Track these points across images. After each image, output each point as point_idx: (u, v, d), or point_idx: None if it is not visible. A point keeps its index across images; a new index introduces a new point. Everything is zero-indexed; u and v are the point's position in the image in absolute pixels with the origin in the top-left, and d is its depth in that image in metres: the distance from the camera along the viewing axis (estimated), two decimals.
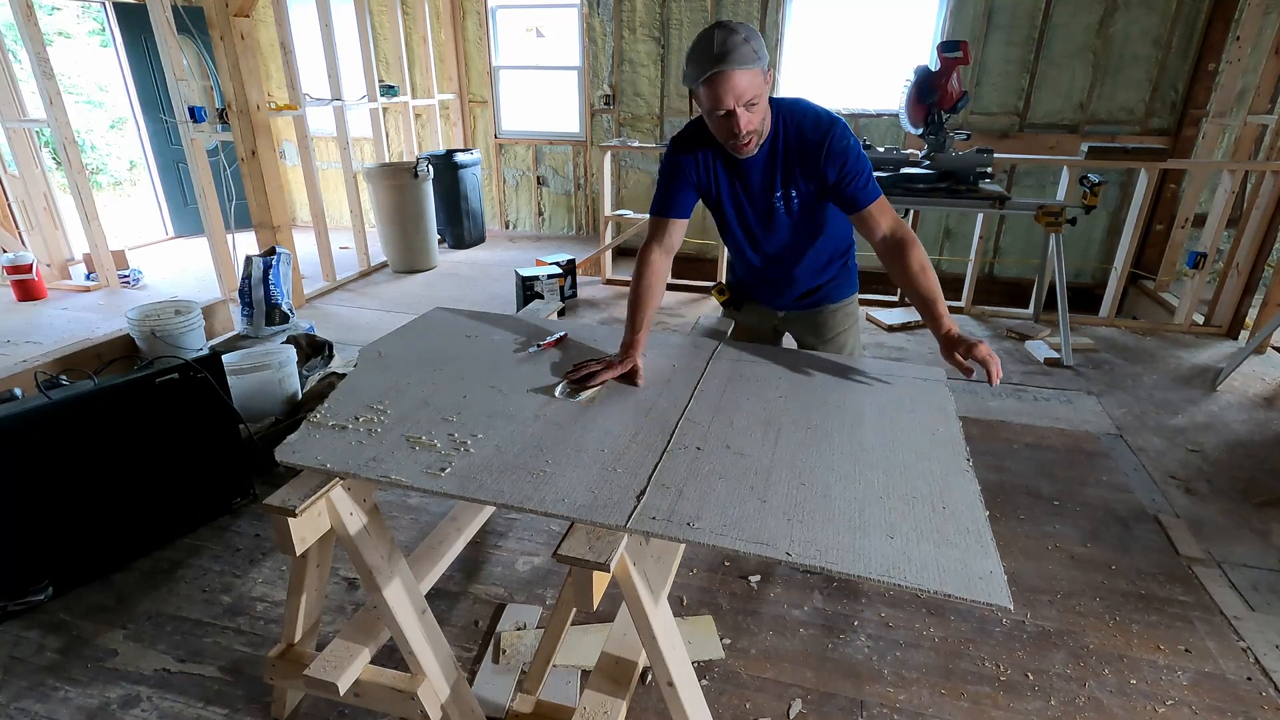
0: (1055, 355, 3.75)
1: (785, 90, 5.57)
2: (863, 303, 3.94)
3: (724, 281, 2.07)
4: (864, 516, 1.15)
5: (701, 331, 1.97)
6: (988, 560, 1.06)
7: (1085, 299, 4.94)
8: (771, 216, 1.72)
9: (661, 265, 1.71)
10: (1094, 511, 2.47)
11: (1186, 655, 1.87)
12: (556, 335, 1.79)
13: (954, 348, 1.48)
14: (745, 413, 1.47)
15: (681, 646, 1.33)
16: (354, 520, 1.31)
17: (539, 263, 4.62)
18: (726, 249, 1.95)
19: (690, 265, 5.72)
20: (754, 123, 1.51)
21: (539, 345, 1.75)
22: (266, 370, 2.84)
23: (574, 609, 1.71)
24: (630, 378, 1.57)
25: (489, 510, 2.09)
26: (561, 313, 4.05)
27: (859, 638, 1.92)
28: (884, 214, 1.60)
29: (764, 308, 1.97)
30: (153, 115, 5.89)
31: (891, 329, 4.13)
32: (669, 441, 1.33)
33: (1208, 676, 1.80)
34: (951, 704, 1.72)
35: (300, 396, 2.96)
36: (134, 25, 5.64)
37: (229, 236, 4.50)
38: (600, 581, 1.10)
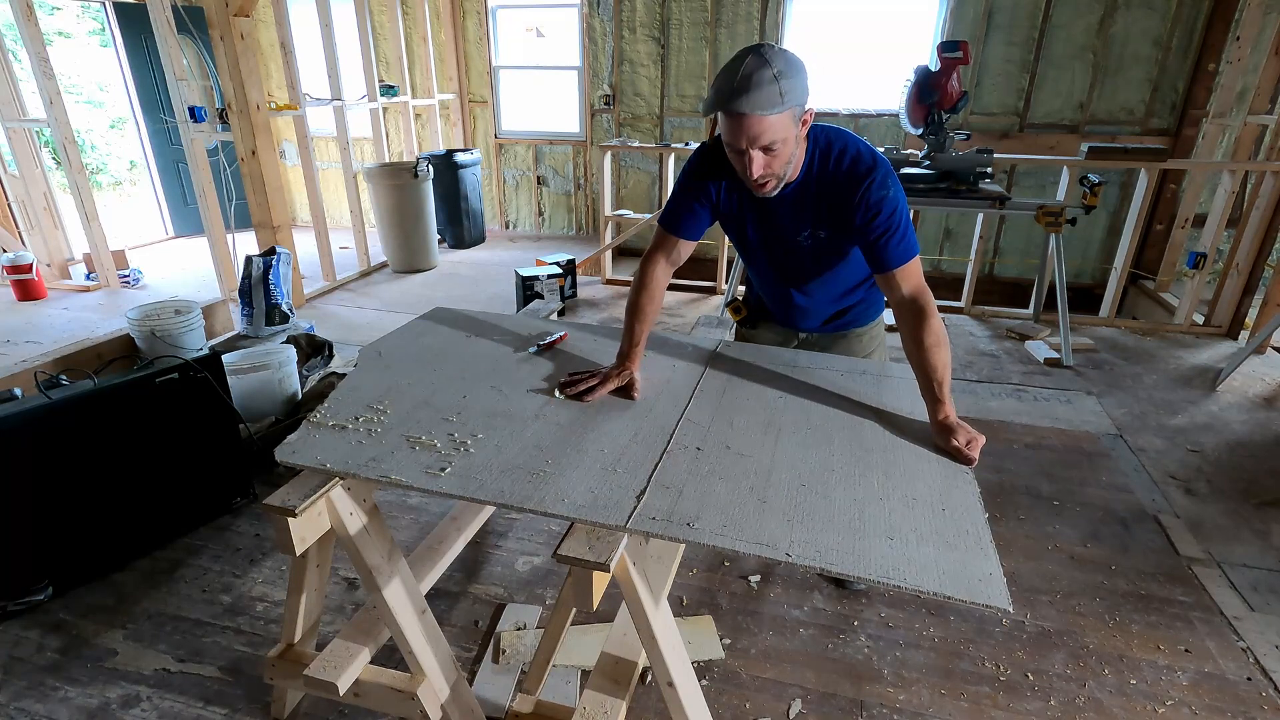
0: (1055, 355, 3.75)
1: None
2: None
3: (739, 299, 1.99)
4: (864, 518, 1.14)
5: (702, 332, 1.97)
6: (987, 562, 1.06)
7: (1085, 299, 4.94)
8: (797, 251, 1.62)
9: (664, 278, 1.65)
10: (1094, 511, 2.47)
11: (1186, 655, 1.87)
12: (556, 335, 1.79)
13: (949, 436, 1.34)
14: (745, 413, 1.46)
15: (681, 646, 1.34)
16: (354, 520, 1.31)
17: (539, 263, 4.62)
18: (744, 265, 1.88)
19: (690, 265, 5.68)
20: (772, 167, 1.39)
21: (539, 345, 1.75)
22: (266, 370, 2.84)
23: (574, 609, 1.71)
24: (626, 391, 1.51)
25: (489, 510, 2.09)
26: (561, 313, 4.05)
27: (859, 638, 1.92)
28: (908, 279, 1.46)
29: (784, 329, 1.90)
30: (153, 115, 5.89)
31: (890, 329, 4.12)
32: (669, 441, 1.33)
33: (1208, 676, 1.80)
34: (951, 704, 1.72)
35: (300, 396, 2.96)
36: (134, 25, 5.64)
37: (229, 236, 4.50)
38: (600, 581, 1.10)
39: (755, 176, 1.39)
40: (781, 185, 1.47)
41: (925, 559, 1.05)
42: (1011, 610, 0.99)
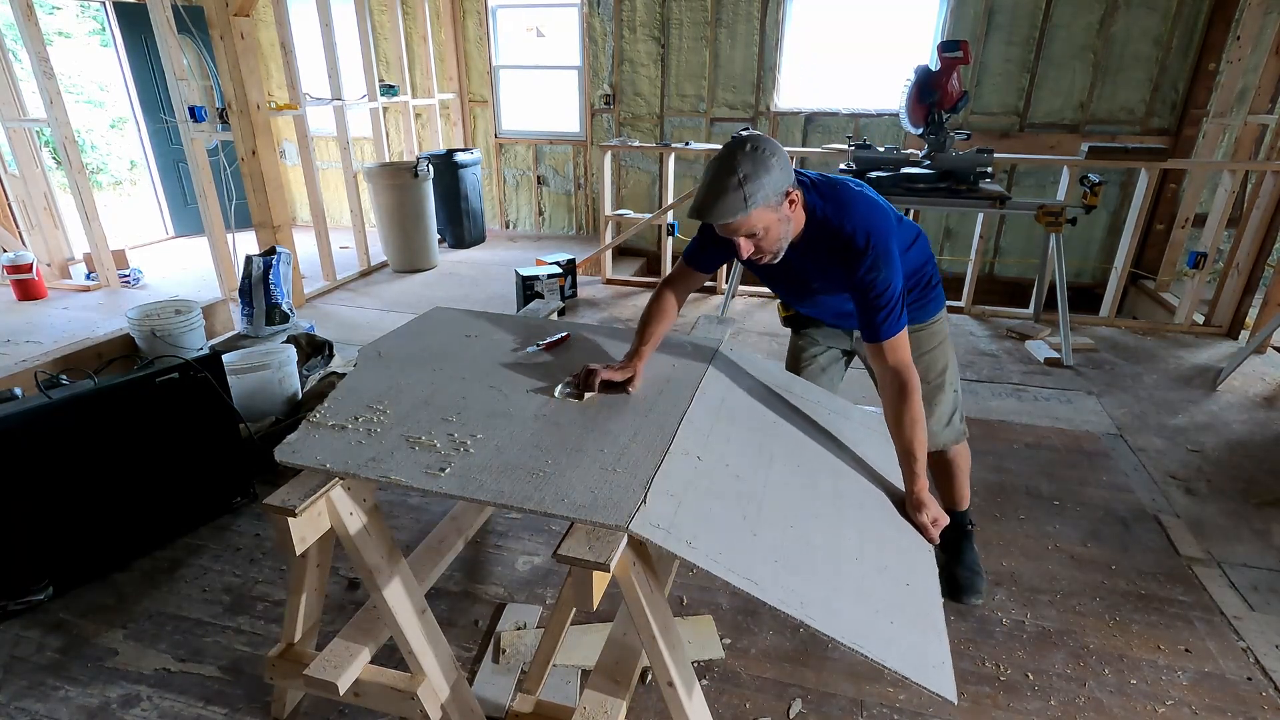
0: (1055, 355, 3.75)
1: (786, 92, 5.56)
2: None
3: None
4: (840, 577, 1.20)
5: (701, 332, 1.97)
6: (941, 649, 1.15)
7: (1085, 299, 4.94)
8: (815, 295, 1.74)
9: (675, 303, 1.74)
10: (1094, 511, 2.47)
11: (1186, 655, 1.87)
12: (558, 335, 1.79)
13: (918, 510, 1.47)
14: (743, 429, 1.49)
15: (681, 646, 1.34)
16: (354, 520, 1.31)
17: (539, 262, 4.62)
18: None
19: None
20: (761, 248, 1.48)
21: (539, 345, 1.75)
22: (266, 370, 2.84)
23: (574, 609, 1.71)
24: (626, 384, 1.56)
25: (489, 510, 2.09)
26: (561, 312, 4.05)
27: None
28: (894, 352, 1.51)
29: (834, 329, 1.97)
30: (153, 115, 5.89)
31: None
32: (670, 444, 1.32)
33: (1208, 676, 1.80)
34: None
35: (300, 396, 2.96)
36: (134, 25, 5.64)
37: (229, 236, 4.50)
38: (600, 581, 1.10)
39: (744, 259, 1.50)
40: (780, 256, 1.53)
41: (890, 634, 1.13)
42: (956, 702, 1.08)
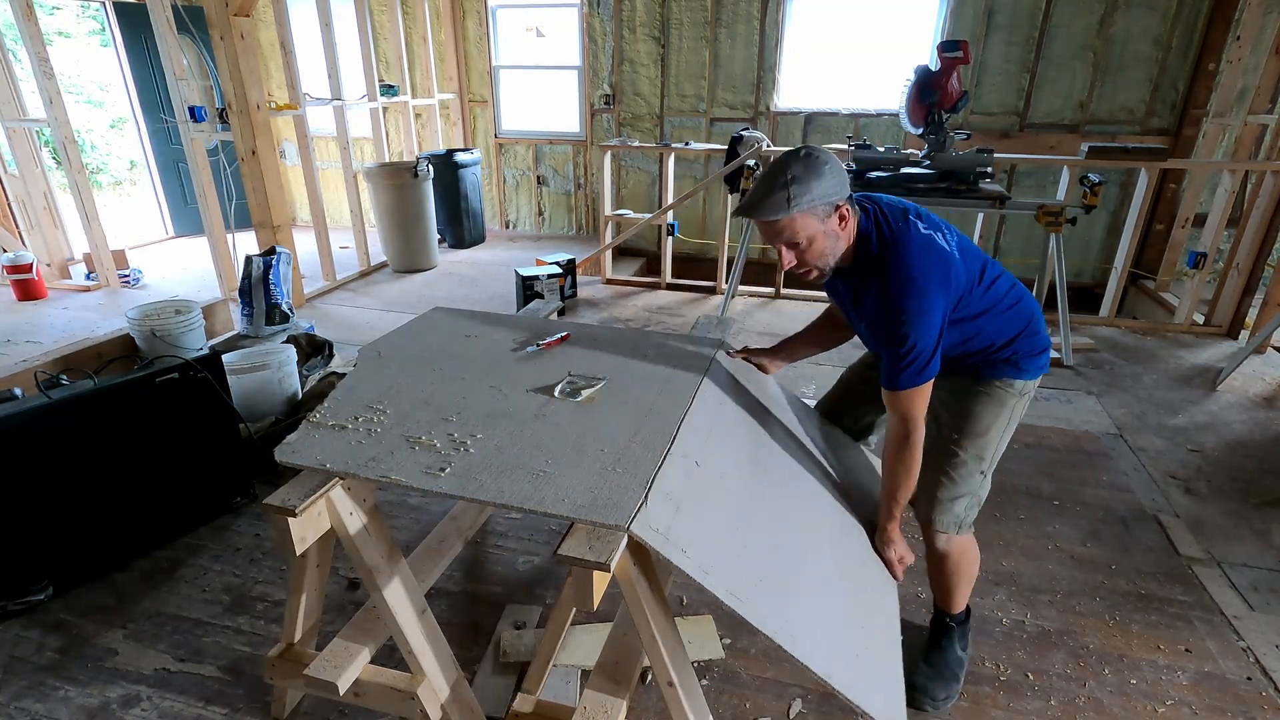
0: (1055, 355, 3.75)
1: (786, 92, 5.56)
2: None
3: None
4: (817, 602, 1.24)
5: (701, 332, 1.97)
6: (897, 685, 1.25)
7: (1085, 299, 4.94)
8: (866, 338, 1.62)
9: (827, 323, 1.83)
10: (1094, 511, 2.47)
11: (1186, 655, 1.87)
12: (558, 335, 1.79)
13: (886, 546, 1.57)
14: (736, 439, 1.50)
15: (681, 646, 1.34)
16: (354, 520, 1.31)
17: (539, 262, 4.61)
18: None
19: (690, 265, 5.72)
20: (804, 261, 1.43)
21: (539, 345, 1.75)
22: (266, 370, 2.84)
23: (574, 609, 1.71)
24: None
25: (489, 510, 2.09)
26: (561, 312, 4.05)
27: None
28: (906, 403, 1.42)
29: None
30: (153, 115, 5.89)
31: None
32: (670, 445, 1.32)
33: (1208, 676, 1.80)
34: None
35: (300, 396, 2.96)
36: (134, 25, 5.64)
37: (229, 236, 4.50)
38: (600, 581, 1.10)
39: (785, 268, 1.45)
40: (827, 274, 1.49)
41: (857, 667, 1.18)
42: None
